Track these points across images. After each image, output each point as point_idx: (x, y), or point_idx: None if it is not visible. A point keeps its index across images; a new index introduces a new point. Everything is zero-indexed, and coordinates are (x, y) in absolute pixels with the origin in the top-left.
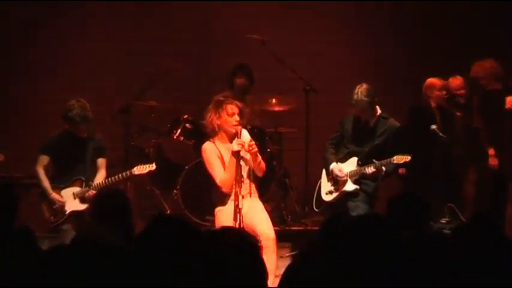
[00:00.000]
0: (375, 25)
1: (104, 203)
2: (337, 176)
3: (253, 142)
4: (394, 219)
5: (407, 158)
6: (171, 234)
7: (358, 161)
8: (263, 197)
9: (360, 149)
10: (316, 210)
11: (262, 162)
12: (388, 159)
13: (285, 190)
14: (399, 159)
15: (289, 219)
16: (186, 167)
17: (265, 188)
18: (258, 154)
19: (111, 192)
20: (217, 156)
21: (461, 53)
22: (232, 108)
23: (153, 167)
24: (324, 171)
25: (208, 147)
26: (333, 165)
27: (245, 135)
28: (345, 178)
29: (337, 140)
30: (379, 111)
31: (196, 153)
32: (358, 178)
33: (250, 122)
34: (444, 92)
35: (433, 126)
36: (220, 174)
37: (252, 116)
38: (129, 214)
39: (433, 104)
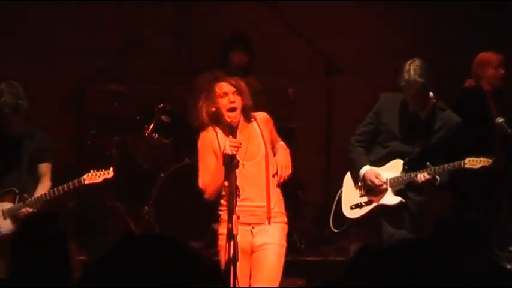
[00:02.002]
0: None
1: (27, 233)
2: (372, 183)
3: (286, 164)
4: (439, 247)
5: (487, 162)
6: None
7: (404, 164)
8: None
9: (407, 149)
10: (334, 230)
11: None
12: (456, 163)
13: (297, 207)
14: (474, 162)
15: (302, 246)
16: (162, 175)
17: None
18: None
19: (38, 217)
20: (214, 151)
21: None
22: (221, 86)
23: (109, 173)
24: (347, 177)
25: (206, 136)
26: (366, 169)
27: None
28: (384, 187)
29: (368, 136)
30: (433, 99)
31: (176, 156)
32: (404, 188)
33: None
34: (502, 71)
35: (500, 119)
36: (205, 175)
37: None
38: (65, 244)
39: (486, 87)
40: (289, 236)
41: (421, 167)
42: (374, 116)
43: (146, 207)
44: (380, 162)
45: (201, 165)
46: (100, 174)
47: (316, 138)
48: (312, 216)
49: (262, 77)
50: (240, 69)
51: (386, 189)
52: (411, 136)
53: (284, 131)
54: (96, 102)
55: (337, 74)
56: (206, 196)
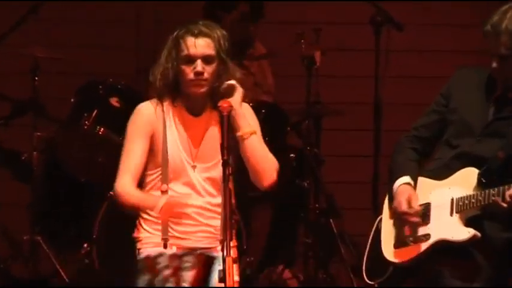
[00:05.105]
0: None
1: None
2: (399, 208)
3: None
4: None
5: None
6: None
7: (480, 176)
8: (277, 258)
9: (486, 152)
10: (369, 283)
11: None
12: None
13: (330, 243)
14: None
15: None
16: (111, 193)
17: (285, 240)
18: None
19: None
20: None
21: None
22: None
23: None
24: (388, 199)
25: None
26: (400, 182)
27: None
28: (417, 220)
29: (428, 131)
30: None
31: None
32: (480, 215)
33: (254, 95)
34: None
35: None
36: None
37: (257, 83)
38: None
39: None
40: None
41: (502, 182)
42: (442, 100)
43: (85, 245)
44: (443, 171)
45: (125, 157)
46: None
47: (358, 132)
48: (357, 257)
49: (269, 37)
50: (240, 30)
51: (450, 218)
52: (494, 132)
53: (305, 122)
54: (5, 77)
55: (391, 30)
56: (121, 202)
